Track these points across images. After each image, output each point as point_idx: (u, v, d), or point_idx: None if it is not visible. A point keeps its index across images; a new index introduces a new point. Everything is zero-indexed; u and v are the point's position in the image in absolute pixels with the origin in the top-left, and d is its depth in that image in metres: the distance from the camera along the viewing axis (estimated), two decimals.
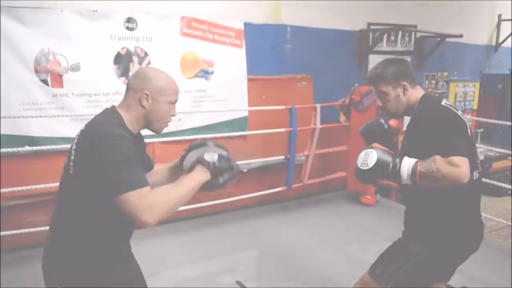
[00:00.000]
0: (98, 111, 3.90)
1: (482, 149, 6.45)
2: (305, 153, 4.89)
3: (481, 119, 4.92)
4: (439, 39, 6.24)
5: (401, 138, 2.47)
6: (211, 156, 1.67)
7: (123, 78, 4.04)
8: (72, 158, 1.57)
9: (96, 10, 3.88)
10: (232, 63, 4.64)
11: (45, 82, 3.72)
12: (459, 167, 1.76)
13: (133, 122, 1.67)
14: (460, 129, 1.91)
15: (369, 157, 1.90)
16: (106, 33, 3.96)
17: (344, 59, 5.62)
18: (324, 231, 4.52)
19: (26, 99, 3.66)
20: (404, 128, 2.23)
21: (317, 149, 4.95)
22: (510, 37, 7.58)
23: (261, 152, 4.94)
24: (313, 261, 3.82)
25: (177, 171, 1.84)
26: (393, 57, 2.19)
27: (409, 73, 2.08)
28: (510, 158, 6.54)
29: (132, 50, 4.09)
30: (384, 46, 5.93)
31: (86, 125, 1.63)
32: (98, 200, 1.53)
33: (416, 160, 1.86)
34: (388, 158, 1.89)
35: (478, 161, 2.05)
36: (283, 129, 4.65)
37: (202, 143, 1.81)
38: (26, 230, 3.63)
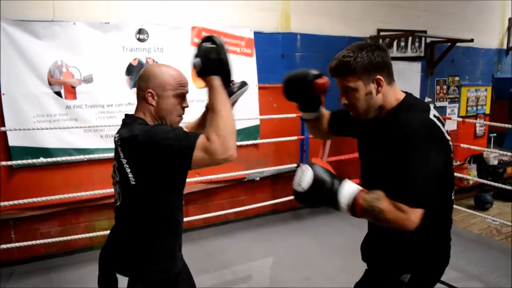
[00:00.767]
0: (111, 122, 3.98)
1: (496, 154, 6.41)
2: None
3: (494, 124, 4.87)
4: (449, 44, 6.20)
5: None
6: (194, 64, 1.56)
7: (135, 89, 4.06)
8: (129, 171, 1.62)
9: (108, 22, 3.93)
10: (242, 72, 4.64)
11: (58, 94, 3.77)
12: (407, 213, 1.45)
13: (151, 120, 1.71)
14: (442, 156, 1.57)
15: (304, 175, 1.52)
16: (118, 44, 4.00)
17: None
18: (337, 239, 4.50)
19: (41, 111, 3.70)
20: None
21: (329, 157, 4.94)
22: None
23: (273, 160, 4.94)
24: (328, 270, 3.80)
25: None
26: (365, 42, 1.69)
27: (385, 65, 1.61)
28: None
29: (144, 61, 4.13)
30: (394, 52, 5.91)
31: (125, 141, 1.64)
32: (162, 204, 1.68)
33: (358, 188, 1.51)
34: (325, 179, 1.52)
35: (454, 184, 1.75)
36: (295, 137, 4.65)
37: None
38: (40, 241, 3.67)
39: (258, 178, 4.88)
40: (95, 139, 3.95)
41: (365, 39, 5.61)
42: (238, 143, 4.39)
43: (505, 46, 7.65)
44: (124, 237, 1.75)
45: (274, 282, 3.66)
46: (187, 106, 1.77)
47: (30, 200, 3.48)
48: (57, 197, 3.63)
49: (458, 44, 6.20)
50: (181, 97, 1.73)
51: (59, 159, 3.68)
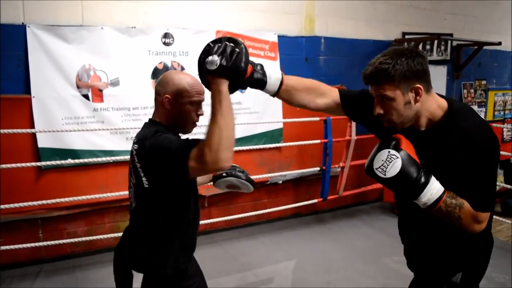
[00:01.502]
0: (136, 124, 4.05)
1: None
2: (341, 164, 4.85)
3: None
4: (476, 47, 6.11)
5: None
6: (210, 62, 1.47)
7: None
8: (142, 175, 1.68)
9: (135, 27, 4.01)
10: None
11: (86, 97, 3.85)
12: (481, 224, 1.52)
13: (169, 125, 1.75)
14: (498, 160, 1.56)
15: (392, 164, 1.47)
16: (144, 48, 4.07)
17: None
18: (360, 243, 4.47)
19: (69, 113, 3.79)
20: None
21: (352, 161, 4.91)
22: None
23: (296, 163, 4.95)
24: (350, 274, 3.77)
25: None
26: (403, 47, 1.57)
27: (425, 73, 1.52)
28: None
29: (169, 64, 4.19)
30: None
31: (138, 144, 1.69)
32: (173, 206, 1.72)
33: (443, 189, 1.49)
34: (412, 173, 1.46)
35: None
36: (318, 141, 4.64)
37: None
38: (67, 241, 3.75)
39: (280, 181, 4.88)
40: (121, 141, 4.02)
41: (391, 42, 5.58)
42: (261, 146, 4.46)
43: None
44: (139, 236, 1.81)
45: (296, 285, 3.66)
46: (202, 114, 1.79)
47: (57, 200, 3.55)
48: (83, 197, 3.71)
49: (485, 47, 6.11)
50: (197, 104, 1.76)
51: (86, 160, 3.75)
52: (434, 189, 1.48)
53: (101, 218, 4.11)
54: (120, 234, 3.86)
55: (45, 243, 3.65)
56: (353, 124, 4.78)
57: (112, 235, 3.88)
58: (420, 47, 5.82)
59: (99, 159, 3.83)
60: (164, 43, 4.17)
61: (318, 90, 1.82)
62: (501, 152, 1.73)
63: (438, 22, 6.01)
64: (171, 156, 1.53)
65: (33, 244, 3.58)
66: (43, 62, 3.67)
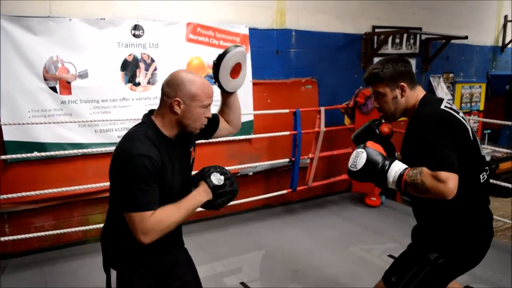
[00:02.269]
0: (105, 117, 4.03)
1: (488, 150, 6.46)
2: (310, 155, 4.93)
3: (487, 120, 4.92)
4: (444, 41, 6.25)
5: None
6: (217, 178, 1.77)
7: (130, 85, 4.13)
8: (110, 167, 1.72)
9: (104, 18, 3.97)
10: None
11: (53, 89, 3.81)
12: (445, 183, 1.68)
13: (169, 127, 1.75)
14: (456, 136, 1.82)
15: (359, 158, 1.86)
16: (113, 40, 4.04)
17: (349, 62, 5.66)
18: (328, 233, 4.57)
19: (36, 106, 3.75)
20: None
21: (321, 152, 5.00)
22: None
23: (266, 155, 5.00)
24: (317, 262, 3.87)
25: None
26: (392, 56, 2.08)
27: (407, 74, 2.00)
28: None
29: (139, 56, 4.17)
30: (389, 48, 5.95)
31: (123, 137, 1.74)
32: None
33: (405, 167, 1.80)
34: (377, 161, 1.83)
35: (486, 163, 2.00)
36: (287, 132, 4.70)
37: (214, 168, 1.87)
38: (34, 235, 3.73)
39: (251, 173, 4.94)
40: (90, 134, 4.00)
41: (361, 35, 5.66)
42: (232, 138, 4.48)
43: (500, 44, 7.71)
44: (109, 234, 1.85)
45: (264, 274, 3.73)
46: (210, 117, 1.82)
47: (24, 194, 3.52)
48: (51, 191, 3.68)
49: (453, 41, 6.26)
50: (207, 107, 1.77)
51: (53, 153, 3.72)
52: (396, 168, 1.81)
53: (70, 211, 4.09)
54: (89, 227, 3.88)
55: (11, 237, 3.61)
56: (322, 116, 4.86)
57: (80, 228, 3.88)
58: (390, 40, 5.92)
59: (67, 152, 3.81)
60: (134, 35, 4.14)
61: None
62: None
63: (408, 16, 6.12)
64: (123, 193, 1.63)
65: None
66: (9, 53, 3.60)
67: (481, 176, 1.95)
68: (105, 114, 4.01)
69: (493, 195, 5.93)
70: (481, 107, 7.37)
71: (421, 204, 2.07)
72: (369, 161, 1.84)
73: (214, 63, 1.98)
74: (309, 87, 5.31)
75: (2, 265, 3.73)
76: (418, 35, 6.23)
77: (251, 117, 4.85)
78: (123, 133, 4.07)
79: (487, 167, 2.00)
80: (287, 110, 4.67)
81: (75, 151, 3.89)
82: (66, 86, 3.87)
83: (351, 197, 5.64)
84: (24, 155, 3.61)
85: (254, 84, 4.82)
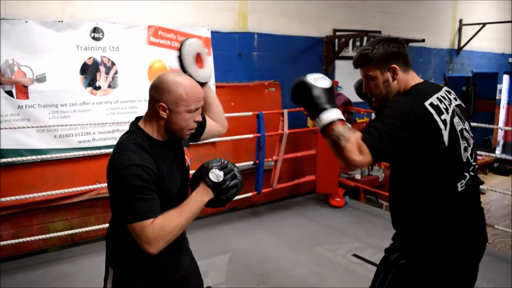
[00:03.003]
0: (64, 122, 3.92)
1: None
2: (274, 158, 4.96)
3: None
4: None
5: None
6: (215, 175, 1.64)
7: (90, 88, 4.04)
8: (107, 182, 1.69)
9: (62, 21, 3.88)
10: None
11: (9, 93, 3.69)
12: (362, 156, 1.57)
13: (159, 131, 1.70)
14: (420, 137, 1.62)
15: (324, 80, 1.70)
16: (72, 43, 3.95)
17: (311, 64, 5.72)
18: (294, 234, 4.60)
19: None
20: None
21: (285, 154, 5.04)
22: (471, 41, 7.87)
23: (230, 158, 4.99)
24: (284, 264, 3.89)
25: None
26: (384, 36, 1.90)
27: (400, 55, 1.78)
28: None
29: (99, 60, 4.09)
30: (350, 51, 6.07)
31: (113, 150, 1.67)
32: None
33: (340, 119, 1.64)
34: (331, 95, 1.69)
35: (468, 170, 1.75)
36: (251, 135, 4.71)
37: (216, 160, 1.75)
38: None
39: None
40: (49, 139, 3.90)
41: (322, 39, 5.74)
42: (194, 143, 4.44)
43: (456, 46, 7.97)
44: (111, 235, 1.83)
45: (230, 278, 3.72)
46: (199, 121, 1.73)
47: None
48: (8, 199, 3.56)
49: (410, 44, 6.41)
50: (194, 111, 1.69)
51: (10, 160, 3.60)
52: (334, 115, 1.65)
53: (29, 219, 3.96)
54: (50, 235, 3.77)
55: None
56: (286, 118, 4.90)
57: (40, 236, 3.77)
58: (351, 43, 6.04)
59: (25, 158, 3.70)
60: (94, 38, 4.06)
61: None
62: None
63: (368, 19, 6.26)
64: (122, 205, 1.60)
65: None
66: None
67: (458, 184, 1.72)
68: (65, 118, 3.92)
69: None
70: None
71: (399, 211, 1.88)
72: (330, 89, 1.69)
73: (178, 56, 1.97)
74: (272, 90, 5.35)
75: None
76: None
77: None
78: (84, 138, 4.11)
79: (468, 175, 1.76)
80: (251, 113, 4.69)
81: (34, 157, 3.78)
82: (23, 90, 3.75)
83: (315, 198, 5.70)
84: None
85: (217, 87, 4.81)
